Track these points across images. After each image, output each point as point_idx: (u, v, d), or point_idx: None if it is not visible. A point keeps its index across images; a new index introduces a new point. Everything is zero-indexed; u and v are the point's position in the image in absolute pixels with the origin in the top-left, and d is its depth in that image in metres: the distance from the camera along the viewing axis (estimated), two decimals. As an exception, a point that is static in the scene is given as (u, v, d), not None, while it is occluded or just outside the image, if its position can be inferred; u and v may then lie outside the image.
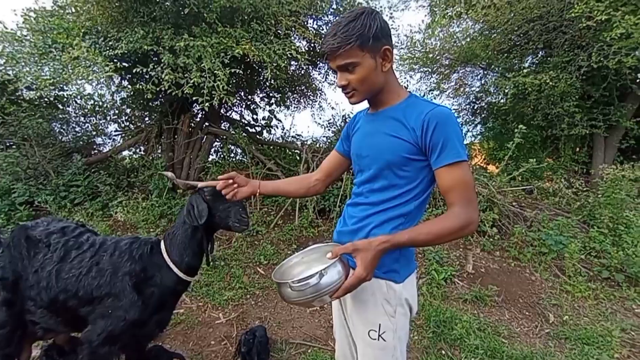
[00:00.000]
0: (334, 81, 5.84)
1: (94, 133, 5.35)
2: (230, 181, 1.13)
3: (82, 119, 5.26)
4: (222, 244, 3.68)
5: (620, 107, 4.70)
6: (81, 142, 5.02)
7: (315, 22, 4.96)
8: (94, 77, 3.00)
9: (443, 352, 2.12)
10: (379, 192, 1.00)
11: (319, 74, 5.76)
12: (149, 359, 1.69)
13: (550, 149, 5.64)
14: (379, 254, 0.83)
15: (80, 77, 2.93)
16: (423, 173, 0.95)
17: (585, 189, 4.06)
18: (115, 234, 3.67)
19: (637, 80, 4.68)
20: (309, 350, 2.13)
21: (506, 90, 5.14)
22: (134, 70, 3.06)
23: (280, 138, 5.68)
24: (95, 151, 5.39)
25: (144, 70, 3.09)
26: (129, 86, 3.69)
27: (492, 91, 6.13)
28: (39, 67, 3.38)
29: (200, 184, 1.27)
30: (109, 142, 5.56)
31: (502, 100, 6.20)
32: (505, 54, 5.19)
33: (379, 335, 0.96)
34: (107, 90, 5.00)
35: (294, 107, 6.15)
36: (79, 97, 4.95)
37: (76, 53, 2.77)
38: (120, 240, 1.47)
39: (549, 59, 4.75)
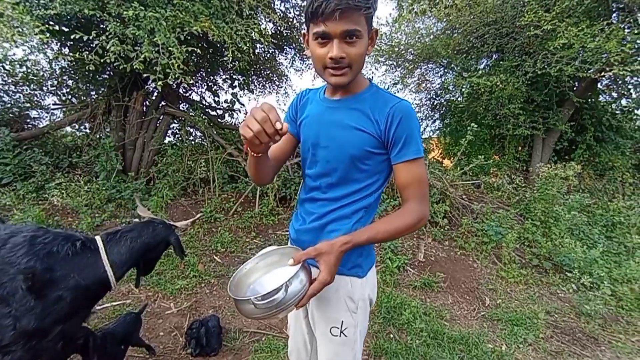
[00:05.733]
0: (300, 67, 5.72)
1: (28, 105, 4.74)
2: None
3: (12, 87, 4.62)
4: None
5: (558, 111, 5.19)
6: (11, 115, 4.43)
7: (282, 4, 4.79)
8: (22, 40, 2.61)
9: (391, 335, 2.25)
10: (338, 186, 0.97)
11: (285, 59, 5.60)
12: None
13: (497, 147, 6.11)
14: (341, 255, 0.82)
15: (4, 39, 2.53)
16: (382, 166, 0.94)
17: (523, 185, 4.48)
18: (52, 220, 3.33)
19: (574, 88, 5.20)
20: (263, 339, 2.14)
21: (462, 89, 5.43)
22: (72, 37, 2.71)
23: (242, 123, 5.48)
24: (29, 125, 4.80)
25: (87, 38, 2.76)
26: (70, 54, 3.27)
27: (451, 89, 6.44)
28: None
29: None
30: (46, 117, 4.98)
31: (459, 99, 6.56)
32: (464, 55, 5.46)
33: (341, 332, 0.96)
34: (42, 57, 4.42)
35: (259, 92, 5.96)
36: (6, 62, 4.32)
37: (-2, 10, 2.39)
38: (19, 231, 1.21)
39: (500, 62, 5.08)
